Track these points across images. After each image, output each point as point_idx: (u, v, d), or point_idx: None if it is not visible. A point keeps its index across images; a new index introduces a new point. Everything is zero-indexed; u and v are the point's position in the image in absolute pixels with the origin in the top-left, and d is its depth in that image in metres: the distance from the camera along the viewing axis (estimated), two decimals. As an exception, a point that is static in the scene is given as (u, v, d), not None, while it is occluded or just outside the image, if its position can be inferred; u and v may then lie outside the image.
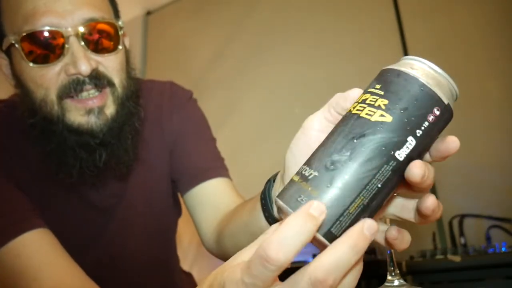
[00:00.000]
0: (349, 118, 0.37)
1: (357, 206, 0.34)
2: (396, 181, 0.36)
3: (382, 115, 0.35)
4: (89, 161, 0.71)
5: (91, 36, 0.69)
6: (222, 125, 1.83)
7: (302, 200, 0.34)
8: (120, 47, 0.73)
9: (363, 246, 0.31)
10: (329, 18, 1.78)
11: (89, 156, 0.70)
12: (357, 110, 0.37)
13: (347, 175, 0.34)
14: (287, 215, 0.35)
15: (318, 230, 0.33)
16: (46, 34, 0.66)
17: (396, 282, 0.50)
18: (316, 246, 0.35)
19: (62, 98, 0.68)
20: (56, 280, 0.63)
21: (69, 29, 0.67)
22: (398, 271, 0.51)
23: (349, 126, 0.36)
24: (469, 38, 1.49)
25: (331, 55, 1.73)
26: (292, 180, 0.37)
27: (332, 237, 0.33)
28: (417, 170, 0.35)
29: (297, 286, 0.31)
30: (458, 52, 1.49)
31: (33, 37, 0.66)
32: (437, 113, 0.36)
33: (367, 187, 0.34)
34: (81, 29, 0.67)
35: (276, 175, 0.56)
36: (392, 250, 0.51)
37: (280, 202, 0.36)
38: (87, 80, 0.67)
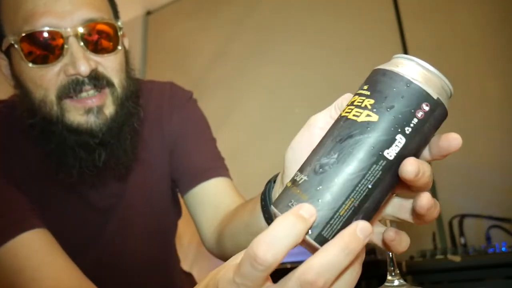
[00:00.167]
0: (338, 121, 0.37)
1: (347, 208, 0.34)
2: (390, 181, 0.35)
3: (368, 115, 0.35)
4: (88, 161, 0.71)
5: (90, 36, 0.69)
6: (222, 125, 1.83)
7: (292, 204, 0.35)
8: (119, 47, 0.73)
9: (356, 248, 0.31)
10: (329, 18, 1.78)
11: (89, 156, 0.70)
12: (346, 112, 0.37)
13: (336, 178, 0.34)
14: None
15: (309, 234, 0.33)
16: (45, 34, 0.66)
17: (396, 282, 0.51)
18: (309, 250, 0.35)
19: (61, 99, 0.68)
20: (54, 280, 0.63)
21: (69, 29, 0.67)
22: (398, 271, 0.51)
23: (338, 129, 0.36)
24: (469, 38, 1.49)
25: (331, 55, 1.73)
26: (285, 187, 0.37)
27: (323, 240, 0.33)
28: (409, 168, 0.34)
29: (287, 286, 0.30)
30: (458, 52, 1.49)
31: (32, 38, 0.66)
32: (426, 108, 0.35)
33: (357, 188, 0.34)
34: (81, 30, 0.67)
35: (277, 176, 0.55)
36: None
37: (274, 209, 0.37)
38: (86, 80, 0.67)
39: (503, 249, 0.98)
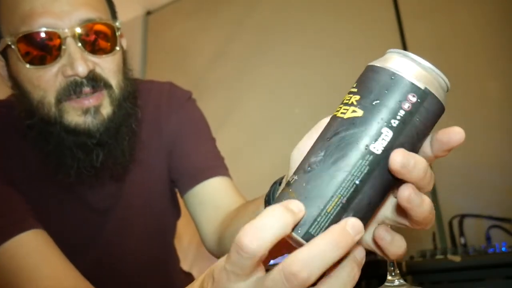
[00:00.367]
0: (330, 121, 0.37)
1: (334, 205, 0.33)
2: (381, 177, 0.34)
3: (354, 111, 0.35)
4: (86, 161, 0.71)
5: (88, 37, 0.68)
6: (222, 125, 1.82)
7: None
8: (117, 48, 0.73)
9: (344, 243, 0.30)
10: (329, 18, 1.78)
11: (86, 157, 0.70)
12: (336, 111, 0.37)
13: (322, 175, 0.34)
14: None
15: (297, 232, 0.33)
16: (42, 35, 0.66)
17: (396, 282, 0.50)
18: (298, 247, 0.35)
19: (61, 101, 0.68)
20: (52, 280, 0.63)
21: (66, 30, 0.66)
22: (398, 271, 0.51)
23: (327, 128, 0.36)
24: (469, 38, 1.49)
25: (331, 55, 1.73)
26: (281, 188, 0.37)
27: (311, 238, 0.33)
28: (394, 157, 0.33)
29: (272, 278, 0.30)
30: (458, 52, 1.49)
31: (29, 38, 0.66)
32: (413, 99, 0.34)
33: (343, 184, 0.33)
34: (78, 30, 0.67)
35: (282, 177, 0.55)
36: None
37: None
38: (84, 81, 0.67)
39: (503, 249, 0.98)
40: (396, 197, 0.40)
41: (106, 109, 0.71)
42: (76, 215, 0.80)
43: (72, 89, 0.67)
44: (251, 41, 1.95)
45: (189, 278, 1.06)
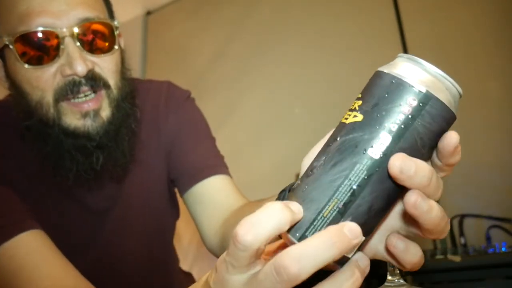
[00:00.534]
0: (335, 128, 0.37)
1: (331, 210, 0.33)
2: (381, 183, 0.33)
3: (355, 116, 0.34)
4: (86, 164, 0.70)
5: (86, 36, 0.68)
6: (222, 125, 1.82)
7: None
8: (115, 47, 0.73)
9: (340, 244, 0.30)
10: (329, 18, 1.78)
11: (86, 159, 0.70)
12: (342, 117, 0.37)
13: (320, 179, 0.34)
14: (284, 234, 0.35)
15: (294, 234, 0.33)
16: (40, 34, 0.65)
17: (396, 282, 0.50)
18: None
19: (58, 101, 0.67)
20: (51, 281, 0.63)
21: (64, 29, 0.66)
22: (398, 271, 0.51)
23: (331, 134, 0.36)
24: (469, 38, 1.49)
25: (331, 55, 1.73)
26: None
27: None
28: (393, 161, 0.32)
29: (264, 271, 0.31)
30: (458, 52, 1.48)
31: (27, 38, 0.66)
32: (414, 103, 0.33)
33: (340, 189, 0.33)
34: (76, 30, 0.67)
35: (292, 184, 0.55)
36: None
37: None
38: (83, 81, 0.67)
39: (503, 249, 0.98)
40: None
41: (106, 112, 0.70)
42: (75, 216, 0.80)
43: (70, 89, 0.67)
44: (251, 41, 1.95)
45: (189, 278, 1.06)
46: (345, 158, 0.33)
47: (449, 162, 0.35)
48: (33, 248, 0.66)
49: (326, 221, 0.33)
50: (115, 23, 0.74)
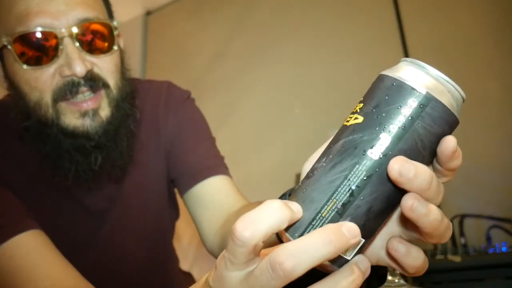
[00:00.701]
0: (337, 130, 0.37)
1: (330, 210, 0.33)
2: (380, 185, 0.33)
3: (356, 118, 0.35)
4: (84, 164, 0.70)
5: (85, 36, 0.68)
6: (222, 125, 1.82)
7: None
8: (115, 47, 0.72)
9: (337, 242, 0.30)
10: (329, 18, 1.78)
11: (85, 159, 0.70)
12: (342, 117, 0.38)
13: (320, 179, 0.34)
14: (283, 234, 0.35)
15: (292, 234, 0.34)
16: (39, 35, 0.65)
17: (396, 282, 0.50)
18: None
19: (57, 101, 0.67)
20: (51, 280, 0.63)
21: (63, 30, 0.66)
22: (398, 271, 0.51)
23: (333, 137, 0.37)
24: (469, 38, 1.49)
25: (331, 55, 1.73)
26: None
27: None
28: (394, 165, 0.32)
29: (260, 266, 0.31)
30: (459, 52, 1.48)
31: (26, 38, 0.65)
32: (414, 104, 0.33)
33: (339, 189, 0.33)
34: (75, 30, 0.66)
35: (292, 189, 0.55)
36: None
37: None
38: (82, 81, 0.67)
39: (503, 249, 0.98)
40: None
41: (105, 111, 0.70)
42: (74, 216, 0.80)
43: (69, 89, 0.66)
44: (251, 41, 1.95)
45: (189, 278, 1.06)
46: (344, 159, 0.33)
47: (448, 166, 0.35)
48: (33, 248, 0.66)
49: (324, 221, 0.33)
50: (115, 23, 0.74)
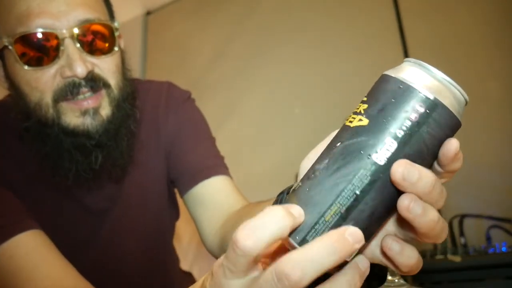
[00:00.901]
0: (339, 130, 0.37)
1: (333, 214, 0.33)
2: (383, 189, 0.33)
3: (360, 120, 0.34)
4: (84, 163, 0.70)
5: (86, 37, 0.68)
6: (222, 125, 1.82)
7: None
8: (116, 48, 0.72)
9: (341, 248, 0.30)
10: (329, 18, 1.78)
11: (85, 159, 0.70)
12: (345, 120, 0.36)
13: (323, 182, 0.33)
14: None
15: (294, 238, 0.33)
16: (40, 35, 0.65)
17: (396, 282, 0.50)
18: None
19: (57, 102, 0.67)
20: (51, 280, 0.63)
21: (64, 30, 0.66)
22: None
23: (335, 136, 0.36)
24: (469, 38, 1.49)
25: (331, 55, 1.73)
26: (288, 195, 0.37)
27: None
28: (397, 168, 0.32)
29: (264, 277, 0.30)
30: (459, 52, 1.48)
31: (27, 39, 0.65)
32: (421, 110, 0.32)
33: (343, 193, 0.33)
34: (76, 31, 0.66)
35: (290, 187, 0.55)
36: None
37: None
38: (83, 82, 0.67)
39: (503, 249, 0.98)
40: None
41: (105, 110, 0.70)
42: (74, 216, 0.80)
43: (69, 90, 0.66)
44: (251, 41, 1.95)
45: (189, 278, 1.06)
46: (349, 163, 0.33)
47: (449, 168, 0.35)
48: (33, 248, 0.66)
49: (327, 226, 0.33)
50: (115, 24, 0.74)
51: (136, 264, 0.87)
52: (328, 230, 0.33)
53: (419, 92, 0.33)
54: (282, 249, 0.34)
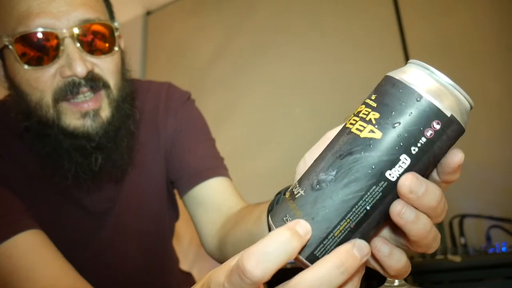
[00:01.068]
0: (342, 132, 0.35)
1: (342, 230, 0.32)
2: (391, 202, 0.33)
3: (371, 131, 0.32)
4: (84, 165, 0.70)
5: (86, 37, 0.68)
6: (222, 125, 1.82)
7: (287, 220, 0.34)
8: (116, 48, 0.72)
9: (351, 266, 0.30)
10: (329, 18, 1.78)
11: (85, 160, 0.70)
12: (350, 123, 0.34)
13: (332, 197, 0.32)
14: None
15: (301, 253, 0.32)
16: (40, 35, 0.65)
17: (396, 282, 0.50)
18: (301, 266, 0.34)
19: (58, 102, 0.67)
20: (49, 280, 0.63)
21: (64, 30, 0.66)
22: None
23: (340, 142, 0.34)
24: (469, 38, 1.49)
25: (331, 55, 1.73)
26: (284, 198, 0.36)
27: (315, 259, 0.32)
28: (405, 182, 0.31)
29: None
30: (459, 52, 1.49)
31: (27, 39, 0.65)
32: (437, 127, 0.31)
33: (353, 209, 0.32)
34: (76, 31, 0.66)
35: (287, 188, 0.54)
36: None
37: (270, 221, 0.36)
38: (83, 82, 0.66)
39: (503, 249, 0.99)
40: None
41: (105, 112, 0.70)
42: (73, 217, 0.80)
43: (69, 89, 0.66)
44: (251, 41, 1.95)
45: (189, 278, 1.06)
46: (360, 178, 0.32)
47: (448, 178, 0.35)
48: (31, 247, 0.66)
49: (336, 241, 0.32)
50: (116, 24, 0.74)
51: (135, 265, 0.87)
52: (336, 245, 0.32)
53: (438, 108, 0.31)
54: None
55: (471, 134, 1.39)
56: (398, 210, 0.32)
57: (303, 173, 0.38)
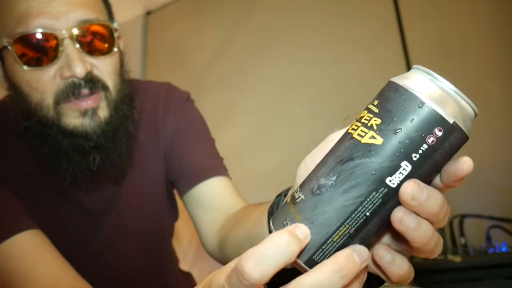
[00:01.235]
0: (344, 137, 0.35)
1: (341, 235, 0.32)
2: (391, 208, 0.33)
3: (372, 137, 0.32)
4: (82, 164, 0.70)
5: (85, 38, 0.67)
6: (222, 125, 1.83)
7: (287, 223, 0.34)
8: (115, 49, 0.72)
9: (350, 271, 0.30)
10: (329, 18, 1.78)
11: (83, 160, 0.70)
12: (352, 129, 0.34)
13: (331, 202, 0.32)
14: None
15: (300, 257, 0.33)
16: (39, 36, 0.65)
17: (396, 283, 0.50)
18: (300, 270, 0.34)
19: (59, 103, 0.67)
20: (49, 280, 0.63)
21: (63, 31, 0.66)
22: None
23: (341, 148, 0.34)
24: (469, 38, 1.49)
25: (331, 55, 1.73)
26: (285, 201, 0.36)
27: (313, 264, 0.32)
28: (406, 188, 0.31)
29: None
30: (459, 52, 1.48)
31: (26, 39, 0.65)
32: (439, 134, 0.31)
33: (353, 215, 0.32)
34: (75, 31, 0.66)
35: (288, 189, 0.55)
36: None
37: (271, 224, 0.36)
38: (82, 83, 0.66)
39: (503, 249, 0.99)
40: None
41: (103, 112, 0.70)
42: (72, 217, 0.80)
43: (71, 91, 0.66)
44: (251, 41, 1.95)
45: (189, 278, 1.06)
46: (360, 184, 0.32)
47: (452, 185, 0.35)
48: (31, 248, 0.66)
49: (335, 245, 0.32)
50: (115, 25, 0.74)
51: (135, 265, 0.87)
52: (335, 250, 0.32)
53: (440, 115, 0.31)
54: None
55: (471, 134, 1.39)
56: (400, 217, 0.32)
57: (303, 176, 0.38)
